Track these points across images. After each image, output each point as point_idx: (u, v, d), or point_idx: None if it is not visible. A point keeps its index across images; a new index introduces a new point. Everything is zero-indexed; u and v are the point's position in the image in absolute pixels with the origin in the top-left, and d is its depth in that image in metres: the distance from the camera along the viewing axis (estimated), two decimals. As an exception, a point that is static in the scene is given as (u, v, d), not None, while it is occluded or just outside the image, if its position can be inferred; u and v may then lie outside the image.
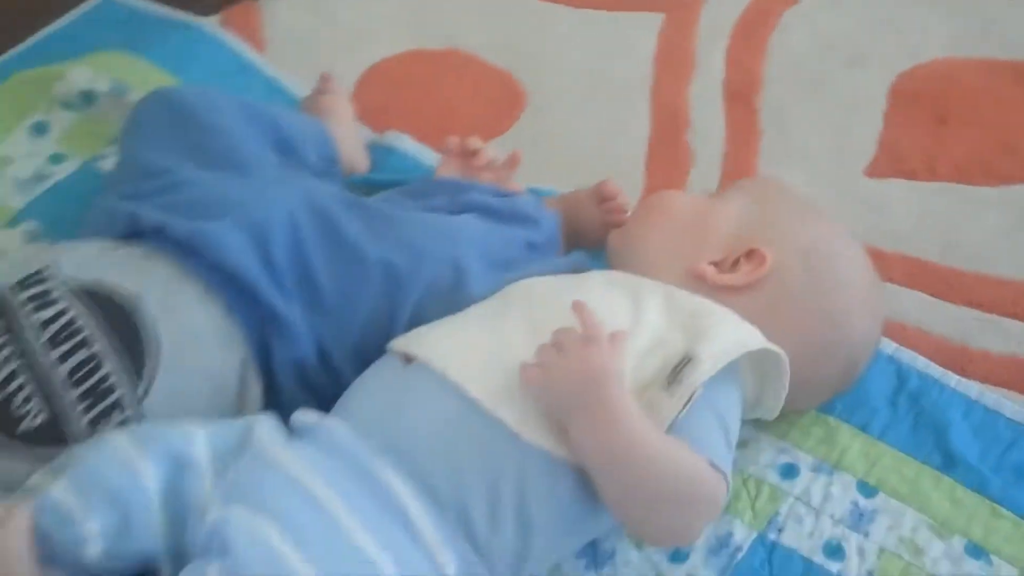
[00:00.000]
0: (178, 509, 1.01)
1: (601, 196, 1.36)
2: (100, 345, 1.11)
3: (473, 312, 1.16)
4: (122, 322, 1.13)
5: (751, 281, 1.16)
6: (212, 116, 1.32)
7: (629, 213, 1.37)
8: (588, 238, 1.36)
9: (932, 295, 1.44)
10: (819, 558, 1.17)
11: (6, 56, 1.70)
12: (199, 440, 1.04)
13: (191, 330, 1.15)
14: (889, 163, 1.58)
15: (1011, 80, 1.68)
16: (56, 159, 1.53)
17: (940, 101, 1.67)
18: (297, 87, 1.63)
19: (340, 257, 1.20)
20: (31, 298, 1.14)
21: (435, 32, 1.76)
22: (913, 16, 1.79)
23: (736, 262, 1.18)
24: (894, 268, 1.45)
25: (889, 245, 1.47)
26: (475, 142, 1.40)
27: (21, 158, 1.53)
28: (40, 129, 1.56)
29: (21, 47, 1.71)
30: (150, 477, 1.00)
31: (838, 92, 1.68)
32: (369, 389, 1.11)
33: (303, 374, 1.18)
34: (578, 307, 1.04)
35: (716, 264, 1.18)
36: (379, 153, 1.53)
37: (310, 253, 1.20)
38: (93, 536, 0.98)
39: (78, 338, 1.12)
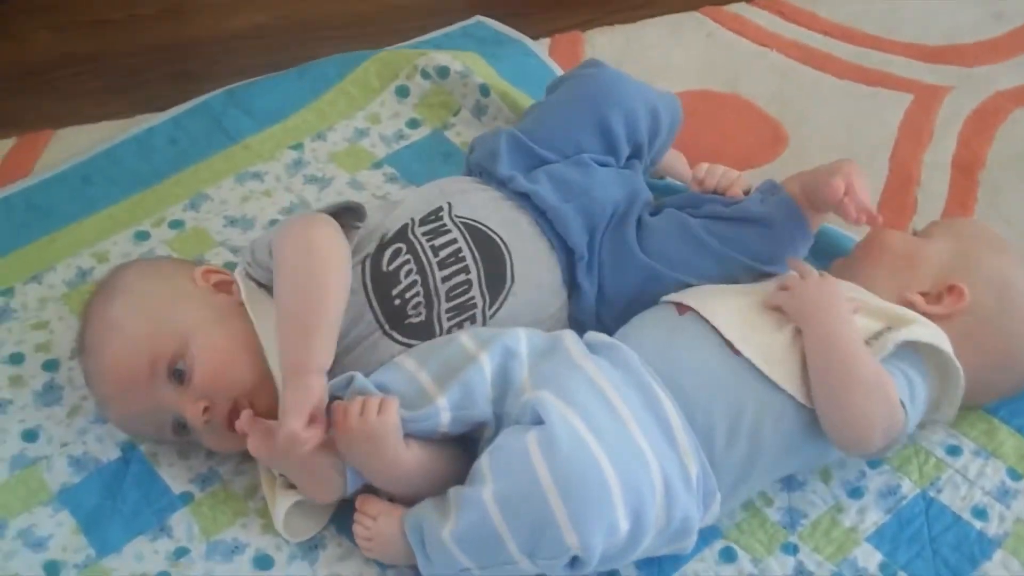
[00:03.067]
0: (503, 387, 1.30)
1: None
2: (474, 273, 1.40)
3: (731, 286, 1.43)
4: (494, 259, 1.41)
5: (952, 312, 1.39)
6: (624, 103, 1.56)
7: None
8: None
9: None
10: (966, 516, 1.39)
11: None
12: (522, 338, 1.33)
13: (538, 279, 1.43)
14: (1080, 239, 1.73)
15: None
16: (412, 124, 1.84)
17: None
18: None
19: (619, 252, 1.46)
20: (428, 230, 1.42)
21: (723, 78, 1.99)
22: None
23: (940, 295, 1.41)
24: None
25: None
26: (700, 170, 1.54)
27: (386, 119, 1.85)
28: (402, 92, 1.87)
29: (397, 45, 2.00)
30: (486, 363, 1.29)
31: (1049, 181, 1.84)
32: (648, 328, 1.39)
33: (580, 326, 1.44)
34: (792, 261, 1.36)
35: (924, 295, 1.41)
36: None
37: (602, 245, 1.47)
38: (444, 408, 1.27)
39: (461, 264, 1.40)
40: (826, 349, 1.30)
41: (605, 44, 2.05)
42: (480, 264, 1.41)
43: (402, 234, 1.42)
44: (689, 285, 1.43)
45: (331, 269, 1.34)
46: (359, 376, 1.30)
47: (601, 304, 1.46)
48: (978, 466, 1.45)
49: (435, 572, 1.26)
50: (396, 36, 2.01)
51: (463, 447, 1.33)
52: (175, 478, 1.41)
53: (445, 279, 1.39)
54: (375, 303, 1.38)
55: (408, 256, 1.40)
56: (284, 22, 2.09)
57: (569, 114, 1.57)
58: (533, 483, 1.19)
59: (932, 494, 1.42)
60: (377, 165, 1.79)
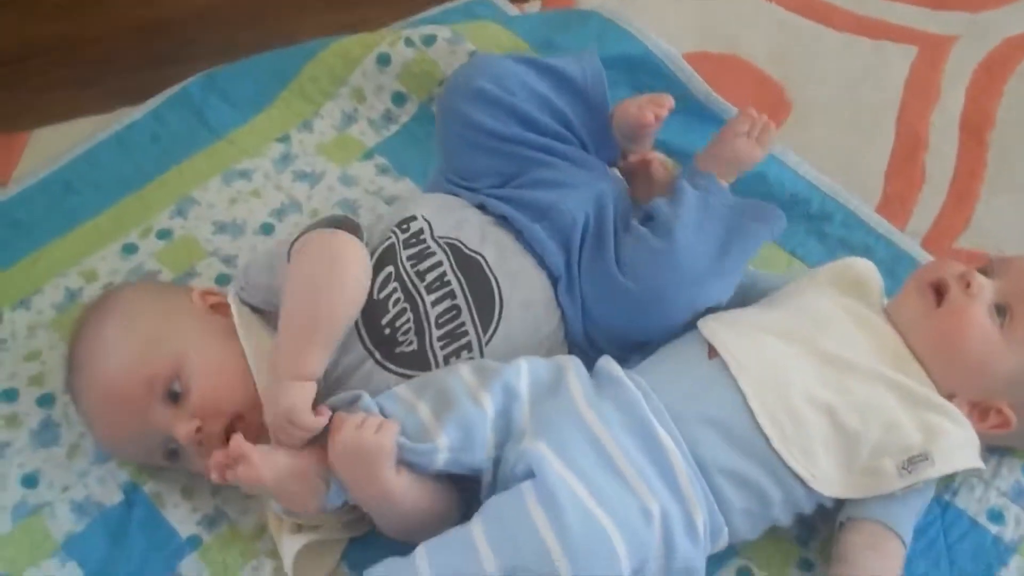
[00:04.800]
0: (504, 431, 1.28)
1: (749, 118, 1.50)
2: (461, 298, 1.36)
3: (771, 320, 1.37)
4: (480, 282, 1.37)
5: (992, 434, 1.36)
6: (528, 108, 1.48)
7: None
8: (743, 165, 1.51)
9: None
10: (983, 519, 1.39)
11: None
12: (523, 372, 1.30)
13: (528, 297, 1.39)
14: (1089, 200, 1.71)
15: None
16: (398, 99, 1.77)
17: None
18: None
19: (601, 281, 1.39)
20: (412, 254, 1.39)
21: (721, 38, 1.92)
22: None
23: (987, 412, 1.35)
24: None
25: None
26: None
27: (371, 94, 1.77)
28: (383, 60, 1.78)
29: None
30: (489, 406, 1.27)
31: (1060, 137, 1.79)
32: (673, 367, 1.35)
33: (573, 346, 1.42)
34: None
35: (973, 404, 1.35)
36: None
37: (582, 268, 1.41)
38: (443, 448, 1.25)
39: (447, 289, 1.36)
40: None
41: (598, 1, 1.95)
42: (466, 288, 1.37)
43: (390, 257, 1.39)
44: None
45: (350, 280, 1.33)
46: (366, 396, 1.29)
47: (591, 329, 1.42)
48: (993, 465, 1.43)
49: None
50: (384, 7, 1.93)
51: (452, 483, 1.31)
52: (181, 521, 1.39)
53: (434, 304, 1.36)
54: (363, 331, 1.35)
55: (396, 284, 1.37)
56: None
57: (453, 148, 1.52)
58: (543, 553, 1.17)
59: (947, 497, 1.41)
60: (368, 155, 1.73)
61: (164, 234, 1.63)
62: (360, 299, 1.34)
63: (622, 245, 1.41)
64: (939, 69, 1.88)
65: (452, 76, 1.59)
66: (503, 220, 1.43)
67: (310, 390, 1.28)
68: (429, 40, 1.77)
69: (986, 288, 1.37)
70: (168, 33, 1.93)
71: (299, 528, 1.33)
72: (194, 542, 1.37)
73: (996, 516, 1.40)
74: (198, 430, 1.31)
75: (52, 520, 1.38)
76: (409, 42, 1.78)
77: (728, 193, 1.47)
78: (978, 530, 1.39)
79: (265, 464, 1.25)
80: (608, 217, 1.43)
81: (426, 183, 1.60)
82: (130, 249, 1.62)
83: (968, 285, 1.36)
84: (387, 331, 1.35)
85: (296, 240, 1.36)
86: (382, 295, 1.36)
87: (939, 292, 1.38)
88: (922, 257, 1.62)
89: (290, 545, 1.32)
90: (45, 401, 1.47)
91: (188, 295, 1.41)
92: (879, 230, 1.64)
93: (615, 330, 1.40)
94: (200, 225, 1.64)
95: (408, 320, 1.35)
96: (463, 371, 1.31)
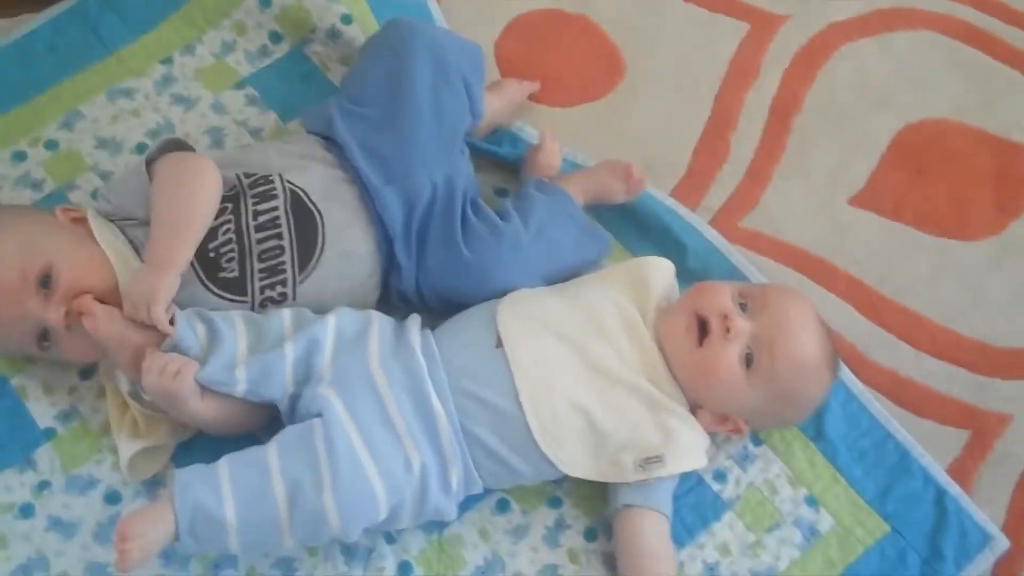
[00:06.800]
0: (305, 372, 1.52)
1: (628, 174, 1.76)
2: (287, 240, 1.59)
3: (557, 317, 1.58)
4: (309, 231, 1.60)
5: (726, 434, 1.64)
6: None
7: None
8: (608, 201, 1.79)
9: (858, 311, 1.79)
10: (708, 478, 1.63)
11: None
12: (330, 328, 1.55)
13: (349, 252, 1.62)
14: (869, 198, 1.89)
15: (986, 152, 1.93)
16: (275, 37, 1.94)
17: (924, 155, 1.93)
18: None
19: (446, 248, 1.63)
20: (256, 193, 1.60)
21: None
22: (938, 74, 2.02)
23: (725, 419, 1.59)
24: (839, 282, 1.81)
25: (843, 264, 1.82)
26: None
27: (251, 28, 1.94)
28: (265, 2, 1.94)
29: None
30: (289, 352, 1.52)
31: (856, 129, 1.94)
32: (466, 344, 1.57)
33: (404, 297, 1.66)
34: None
35: (715, 414, 1.58)
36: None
37: (431, 228, 1.64)
38: (241, 380, 1.50)
39: (276, 231, 1.59)
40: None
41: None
42: (293, 232, 1.59)
43: (233, 196, 1.60)
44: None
45: (205, 184, 1.56)
46: (183, 324, 1.51)
47: (423, 286, 1.65)
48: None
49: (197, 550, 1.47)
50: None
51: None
52: (41, 414, 1.63)
53: (260, 241, 1.58)
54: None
55: (230, 216, 1.59)
56: None
57: (368, 74, 1.73)
58: (318, 486, 1.42)
59: (683, 457, 1.64)
60: (240, 85, 1.90)
61: (51, 144, 1.83)
62: (215, 203, 1.57)
63: (469, 221, 1.64)
64: (763, 49, 2.01)
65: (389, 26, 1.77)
66: (354, 172, 1.64)
67: (174, 282, 1.50)
68: (310, -16, 1.94)
69: (742, 333, 1.55)
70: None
71: (136, 432, 1.58)
72: (49, 433, 1.61)
73: (720, 476, 1.65)
74: (67, 314, 1.52)
75: (-76, 408, 1.61)
76: (291, -15, 1.94)
77: (580, 211, 1.73)
78: (702, 487, 1.64)
79: (105, 320, 1.50)
80: (457, 196, 1.66)
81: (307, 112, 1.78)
82: (19, 156, 1.81)
83: (728, 330, 1.55)
84: (211, 255, 1.57)
85: (153, 160, 1.58)
86: (215, 222, 1.57)
87: (702, 327, 1.57)
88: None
89: (126, 448, 1.57)
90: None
91: (51, 212, 1.62)
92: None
93: (443, 291, 1.64)
94: (84, 139, 1.83)
95: (232, 250, 1.57)
96: (285, 317, 1.56)
